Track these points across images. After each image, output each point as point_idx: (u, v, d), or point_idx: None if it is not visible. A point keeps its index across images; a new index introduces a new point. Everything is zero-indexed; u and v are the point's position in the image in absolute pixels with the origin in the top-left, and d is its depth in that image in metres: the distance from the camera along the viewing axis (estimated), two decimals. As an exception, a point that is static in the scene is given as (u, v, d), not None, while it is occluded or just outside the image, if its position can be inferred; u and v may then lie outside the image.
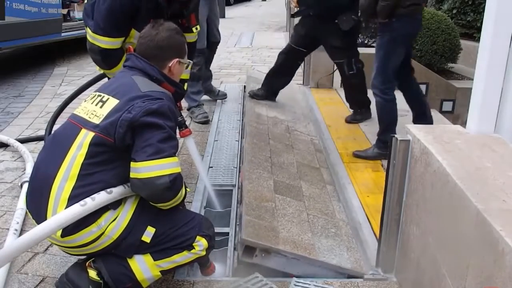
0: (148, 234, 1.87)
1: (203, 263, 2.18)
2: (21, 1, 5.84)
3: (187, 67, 2.22)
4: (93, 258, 1.93)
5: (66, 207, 1.75)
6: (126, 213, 1.86)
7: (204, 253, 1.99)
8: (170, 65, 2.06)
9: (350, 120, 4.37)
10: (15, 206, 2.77)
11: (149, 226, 1.88)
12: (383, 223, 2.18)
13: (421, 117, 3.74)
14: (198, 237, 1.96)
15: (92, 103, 1.92)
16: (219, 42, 4.91)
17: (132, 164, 1.78)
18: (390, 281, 2.18)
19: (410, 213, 2.02)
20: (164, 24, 2.12)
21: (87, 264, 1.93)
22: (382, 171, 3.29)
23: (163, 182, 1.76)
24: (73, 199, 1.76)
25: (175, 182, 1.80)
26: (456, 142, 1.88)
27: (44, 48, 7.80)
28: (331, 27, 4.09)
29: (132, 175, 1.78)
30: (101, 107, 1.87)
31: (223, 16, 14.25)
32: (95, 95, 1.96)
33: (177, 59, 2.08)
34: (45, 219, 1.76)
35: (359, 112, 4.39)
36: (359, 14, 3.77)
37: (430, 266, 1.80)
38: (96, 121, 1.83)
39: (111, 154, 1.81)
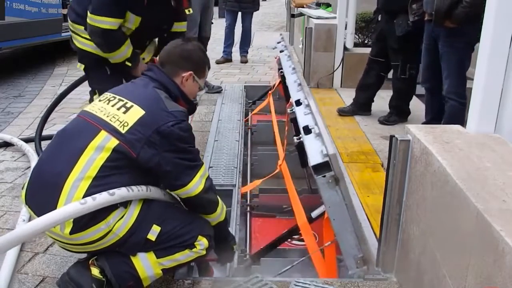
0: (153, 233, 1.89)
1: (202, 268, 2.19)
2: (21, 1, 5.85)
3: (200, 89, 2.27)
4: (96, 256, 1.93)
5: None
6: (132, 211, 1.87)
7: (204, 252, 2.00)
8: (183, 75, 2.09)
9: (382, 121, 4.32)
10: (15, 206, 2.77)
11: (154, 225, 1.90)
12: (383, 223, 2.18)
13: (436, 123, 3.64)
14: (199, 237, 1.98)
15: (112, 106, 1.93)
16: (209, 38, 5.47)
17: (184, 188, 1.93)
18: (390, 281, 2.18)
19: (410, 213, 2.02)
20: (194, 42, 2.30)
21: (90, 262, 1.93)
22: (382, 171, 3.29)
23: (208, 185, 1.99)
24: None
25: (209, 181, 2.03)
26: (456, 142, 1.88)
27: (44, 48, 7.80)
28: (391, 27, 4.10)
29: (185, 196, 1.97)
30: (124, 112, 1.89)
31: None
32: (114, 97, 1.97)
33: (191, 72, 2.11)
34: None
35: (395, 114, 4.33)
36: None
37: (430, 266, 1.80)
38: (121, 128, 1.85)
39: (126, 161, 1.85)
